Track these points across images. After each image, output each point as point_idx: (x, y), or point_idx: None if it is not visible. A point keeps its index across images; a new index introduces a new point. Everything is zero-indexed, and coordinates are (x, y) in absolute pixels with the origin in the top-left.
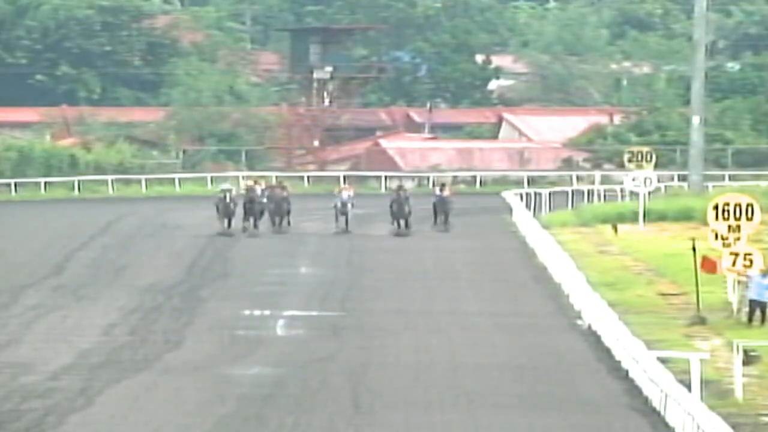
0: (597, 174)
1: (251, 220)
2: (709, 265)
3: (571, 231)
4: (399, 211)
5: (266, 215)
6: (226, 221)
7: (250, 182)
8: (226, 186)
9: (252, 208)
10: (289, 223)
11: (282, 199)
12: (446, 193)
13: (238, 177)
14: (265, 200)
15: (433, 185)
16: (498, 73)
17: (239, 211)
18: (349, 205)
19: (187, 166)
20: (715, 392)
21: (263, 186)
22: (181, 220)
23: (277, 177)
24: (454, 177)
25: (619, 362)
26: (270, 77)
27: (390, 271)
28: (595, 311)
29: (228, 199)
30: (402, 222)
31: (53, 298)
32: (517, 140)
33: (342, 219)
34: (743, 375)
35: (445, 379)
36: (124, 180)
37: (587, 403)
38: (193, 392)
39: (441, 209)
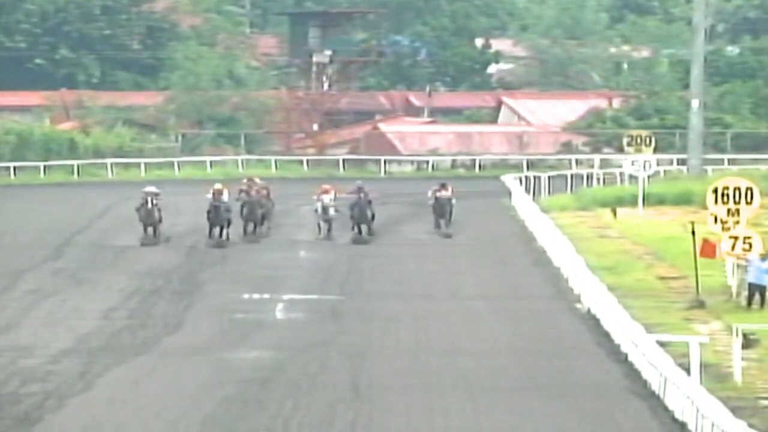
0: (596, 158)
1: (217, 230)
2: (709, 250)
3: (571, 215)
4: (360, 215)
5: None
6: (148, 229)
7: (219, 186)
8: (150, 189)
9: (217, 215)
10: (268, 227)
11: (255, 202)
12: (445, 193)
13: (238, 160)
14: (237, 202)
15: (431, 167)
16: (497, 57)
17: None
18: (332, 211)
19: (187, 150)
20: (715, 376)
21: (245, 188)
22: (181, 204)
23: (245, 180)
24: (453, 161)
25: (619, 346)
26: (269, 61)
27: (389, 255)
28: (594, 295)
29: (150, 205)
30: (364, 228)
31: (52, 281)
32: (517, 124)
33: (324, 226)
34: (742, 358)
35: (445, 363)
36: (123, 164)
37: (586, 387)
38: (193, 376)
39: (440, 212)
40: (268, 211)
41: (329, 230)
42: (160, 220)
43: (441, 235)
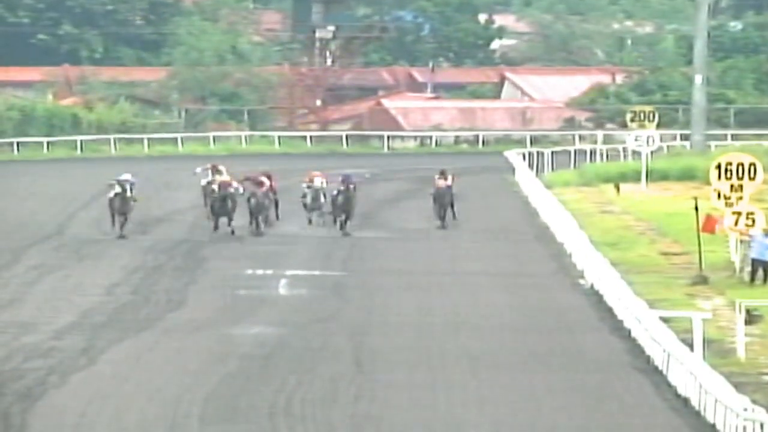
0: (599, 133)
1: (225, 221)
2: (709, 225)
3: (574, 190)
4: (343, 204)
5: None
6: (119, 219)
7: (227, 178)
8: (126, 176)
9: (224, 206)
10: (277, 217)
11: (263, 194)
12: (445, 182)
13: (241, 136)
14: (241, 192)
15: (434, 143)
16: (501, 32)
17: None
18: (322, 198)
19: (189, 126)
20: (718, 351)
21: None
22: (183, 179)
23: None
24: (456, 136)
25: (622, 321)
26: (272, 37)
27: (392, 231)
28: (597, 270)
29: (129, 193)
30: (344, 219)
31: (55, 257)
32: (520, 100)
33: (315, 214)
34: (745, 334)
35: (447, 339)
36: (126, 139)
37: (589, 363)
38: (196, 351)
39: (440, 203)
40: (273, 203)
41: (321, 216)
42: (131, 210)
43: (441, 227)
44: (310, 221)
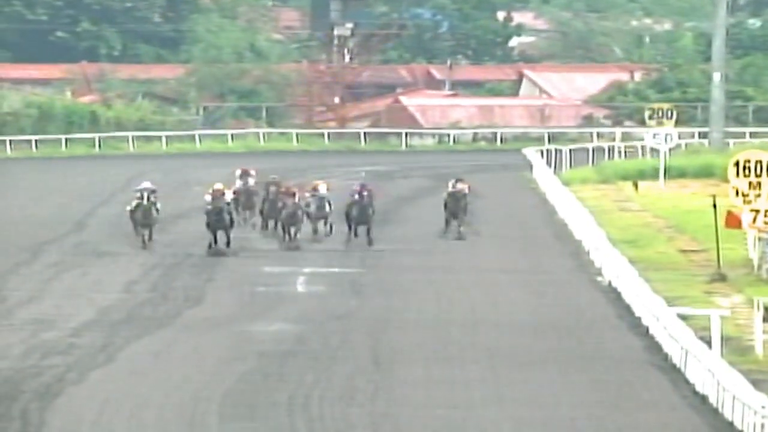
0: (618, 131)
1: (221, 235)
2: (734, 221)
3: (592, 188)
4: (360, 215)
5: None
6: (144, 232)
7: (220, 186)
8: (146, 185)
9: (221, 219)
10: (296, 234)
11: (294, 204)
12: (461, 188)
13: (259, 133)
14: (261, 202)
15: (453, 141)
16: (519, 30)
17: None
18: (327, 207)
19: (208, 123)
20: (736, 349)
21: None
22: (202, 177)
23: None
24: (475, 134)
25: (640, 319)
26: (291, 34)
27: (409, 228)
28: (615, 268)
29: (147, 201)
30: (362, 230)
31: (74, 254)
32: (538, 97)
33: (320, 224)
34: (764, 332)
35: (466, 336)
36: (144, 137)
37: (607, 360)
38: (214, 349)
39: (453, 208)
40: (304, 215)
41: (327, 225)
42: (157, 220)
43: (452, 237)
44: (315, 231)
